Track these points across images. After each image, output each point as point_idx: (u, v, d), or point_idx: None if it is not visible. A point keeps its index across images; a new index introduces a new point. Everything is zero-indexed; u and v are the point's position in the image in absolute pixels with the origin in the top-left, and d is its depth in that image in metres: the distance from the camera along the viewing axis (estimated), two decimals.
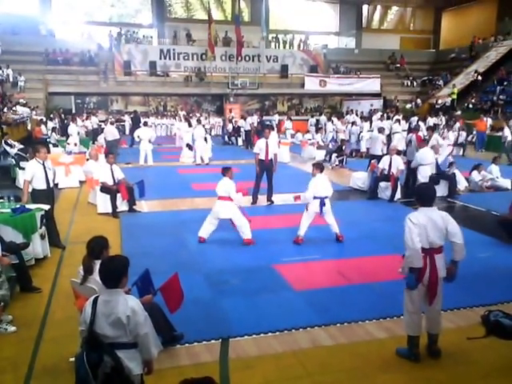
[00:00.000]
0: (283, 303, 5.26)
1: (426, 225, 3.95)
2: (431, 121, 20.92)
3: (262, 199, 10.20)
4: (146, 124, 16.68)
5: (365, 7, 36.27)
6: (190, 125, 18.00)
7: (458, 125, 18.90)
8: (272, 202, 10.18)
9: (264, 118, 23.40)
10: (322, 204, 7.08)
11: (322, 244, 7.41)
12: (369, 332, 4.65)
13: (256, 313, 5.02)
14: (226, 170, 7.28)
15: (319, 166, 7.35)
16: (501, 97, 23.98)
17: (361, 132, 18.66)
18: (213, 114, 27.67)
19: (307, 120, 24.61)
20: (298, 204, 9.79)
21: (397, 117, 20.71)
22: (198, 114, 24.60)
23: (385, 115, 20.59)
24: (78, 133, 16.75)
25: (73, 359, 3.24)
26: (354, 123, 20.40)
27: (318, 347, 4.38)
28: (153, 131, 16.91)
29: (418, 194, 4.26)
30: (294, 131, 21.66)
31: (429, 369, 4.03)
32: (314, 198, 7.09)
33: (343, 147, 15.58)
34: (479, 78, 26.24)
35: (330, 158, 15.29)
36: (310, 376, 3.94)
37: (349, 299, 5.38)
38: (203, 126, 17.46)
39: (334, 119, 21.18)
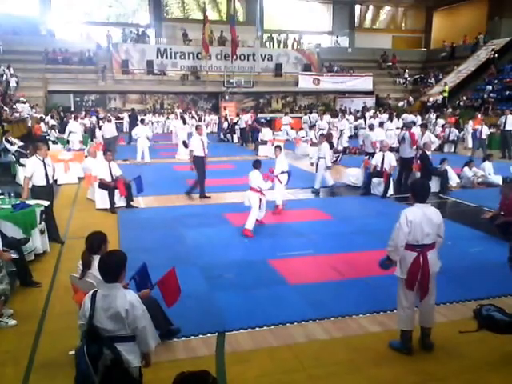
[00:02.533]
0: (278, 297, 5.30)
1: (422, 221, 4.00)
2: (409, 117, 20.70)
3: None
4: (142, 122, 16.68)
5: (357, 7, 36.49)
6: (184, 122, 18.03)
7: (440, 121, 19.06)
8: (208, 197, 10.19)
9: (259, 115, 23.49)
10: (290, 175, 9.14)
11: (317, 239, 7.49)
12: (362, 326, 4.71)
13: (251, 307, 5.07)
14: (257, 164, 7.80)
15: (280, 148, 9.30)
16: (491, 94, 24.25)
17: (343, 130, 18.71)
18: (208, 111, 27.78)
19: (301, 117, 24.68)
20: (292, 200, 9.94)
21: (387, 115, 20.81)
22: (193, 112, 24.70)
23: (377, 113, 20.64)
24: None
25: (72, 352, 3.27)
26: (347, 120, 20.46)
27: (312, 341, 4.43)
28: (149, 129, 16.90)
29: (414, 190, 4.24)
30: (290, 127, 21.56)
31: (421, 361, 4.09)
32: (282, 172, 8.96)
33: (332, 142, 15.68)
34: (496, 55, 26.53)
35: None
36: (305, 369, 3.98)
37: (342, 293, 5.44)
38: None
39: (327, 117, 21.21)
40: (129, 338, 3.02)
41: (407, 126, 11.89)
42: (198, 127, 10.87)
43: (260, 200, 7.64)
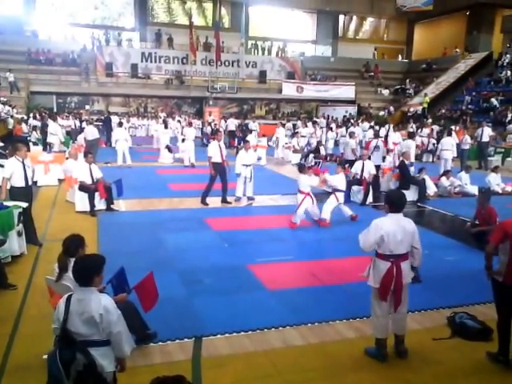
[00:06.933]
0: (256, 303, 5.31)
1: (396, 230, 4.01)
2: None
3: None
4: (121, 125, 16.53)
5: (341, 17, 37.11)
6: (166, 127, 18.10)
7: (426, 131, 19.36)
8: (229, 203, 10.18)
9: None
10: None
11: (296, 245, 7.54)
12: (339, 332, 4.73)
13: (229, 312, 5.06)
14: (302, 168, 8.61)
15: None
16: (469, 106, 24.82)
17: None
18: (192, 116, 27.77)
19: (284, 125, 24.82)
20: (273, 205, 9.98)
21: (370, 124, 21.10)
22: (176, 116, 24.72)
23: (358, 121, 20.91)
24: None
25: (46, 356, 3.22)
26: (331, 128, 20.70)
27: (289, 346, 4.43)
28: (127, 132, 16.85)
29: (389, 200, 4.23)
30: (259, 134, 21.61)
31: (396, 368, 4.12)
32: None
33: (319, 149, 15.86)
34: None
35: (305, 160, 15.49)
36: (281, 375, 3.98)
37: (320, 299, 5.46)
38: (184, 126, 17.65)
39: (309, 124, 21.40)
40: (103, 342, 2.99)
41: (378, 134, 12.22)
42: (218, 133, 10.79)
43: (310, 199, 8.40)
